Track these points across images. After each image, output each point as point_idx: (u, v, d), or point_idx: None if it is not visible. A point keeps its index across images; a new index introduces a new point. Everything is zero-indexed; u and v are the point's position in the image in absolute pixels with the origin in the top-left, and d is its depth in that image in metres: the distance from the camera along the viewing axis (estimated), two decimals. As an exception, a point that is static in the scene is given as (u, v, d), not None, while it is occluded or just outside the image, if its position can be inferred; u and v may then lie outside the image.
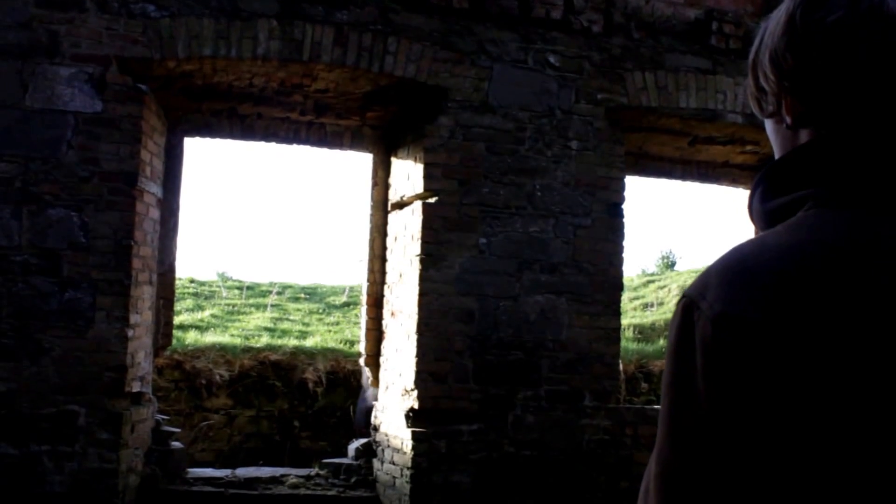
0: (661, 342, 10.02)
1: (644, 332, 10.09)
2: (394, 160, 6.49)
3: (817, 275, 0.90)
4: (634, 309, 11.52)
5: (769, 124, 1.10)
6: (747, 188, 7.48)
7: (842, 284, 0.88)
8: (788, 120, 1.03)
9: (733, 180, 7.46)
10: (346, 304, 11.78)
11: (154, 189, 5.73)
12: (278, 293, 12.07)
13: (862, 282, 0.89)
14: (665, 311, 10.84)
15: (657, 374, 8.94)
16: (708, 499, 0.91)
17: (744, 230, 7.61)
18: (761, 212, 1.04)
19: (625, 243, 6.27)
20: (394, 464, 5.94)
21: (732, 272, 0.94)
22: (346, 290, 12.58)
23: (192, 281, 12.55)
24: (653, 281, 13.03)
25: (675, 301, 8.83)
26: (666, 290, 11.92)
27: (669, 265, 17.16)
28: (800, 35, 1.01)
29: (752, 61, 1.08)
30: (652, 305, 11.40)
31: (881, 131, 0.97)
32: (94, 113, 5.32)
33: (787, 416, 0.89)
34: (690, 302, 0.94)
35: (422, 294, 5.77)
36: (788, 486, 0.89)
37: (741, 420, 0.89)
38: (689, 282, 8.57)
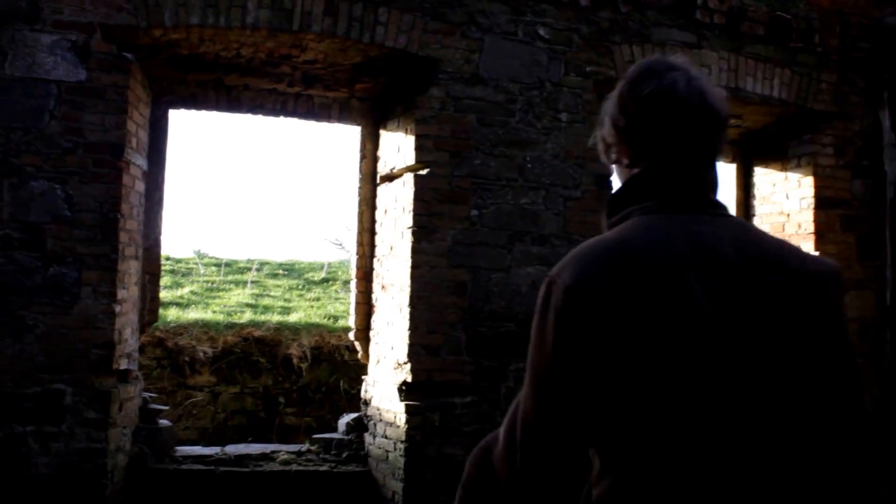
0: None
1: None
2: (383, 132, 6.41)
3: (629, 258, 1.39)
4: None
5: (616, 168, 1.62)
6: (728, 162, 7.56)
7: (645, 268, 1.37)
8: (626, 161, 1.57)
9: (715, 154, 7.52)
10: (326, 280, 11.66)
11: (140, 161, 5.58)
12: (257, 270, 11.90)
13: (660, 264, 1.38)
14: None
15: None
16: (547, 422, 1.37)
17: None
18: (606, 226, 1.56)
19: (614, 216, 6.30)
20: (386, 437, 5.91)
21: (578, 258, 1.43)
22: (325, 266, 12.45)
23: (167, 258, 12.30)
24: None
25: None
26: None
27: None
28: (626, 104, 1.54)
29: (599, 125, 1.61)
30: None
31: (675, 166, 1.50)
32: (77, 82, 5.15)
33: (611, 350, 1.33)
34: (552, 279, 1.43)
35: (414, 266, 5.72)
36: (616, 401, 1.35)
37: (578, 354, 1.36)
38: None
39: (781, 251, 1.50)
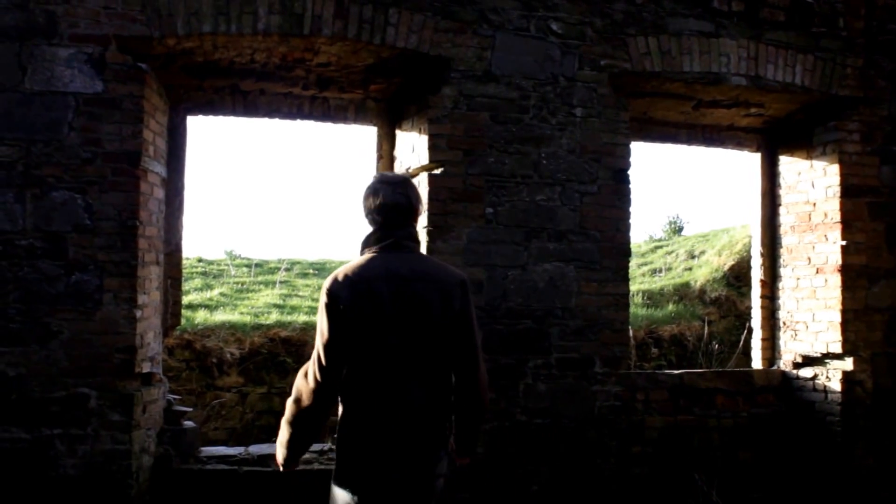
0: (671, 307, 9.97)
1: (653, 298, 10.02)
2: (398, 132, 6.44)
3: (356, 277, 3.21)
4: (643, 275, 11.42)
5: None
6: (753, 151, 7.44)
7: (361, 280, 3.20)
8: (370, 225, 3.41)
9: (738, 143, 7.39)
10: (355, 279, 11.65)
11: (158, 168, 5.69)
12: (287, 270, 12.03)
13: (368, 279, 3.21)
14: (673, 277, 10.77)
15: (667, 339, 8.92)
16: (325, 354, 3.19)
17: (748, 191, 7.54)
18: (360, 256, 3.38)
19: (631, 209, 6.25)
20: (407, 436, 5.94)
21: (335, 275, 3.25)
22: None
23: (200, 260, 12.51)
24: (660, 246, 12.91)
25: (682, 266, 8.79)
26: (673, 255, 11.80)
27: (677, 230, 17.03)
28: (365, 201, 3.41)
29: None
30: (660, 271, 11.30)
31: (385, 230, 3.34)
32: (94, 93, 5.27)
33: (344, 321, 3.17)
34: (326, 285, 3.23)
35: (429, 266, 5.73)
36: (348, 345, 3.20)
37: (332, 324, 3.19)
38: (696, 246, 8.81)
39: (434, 270, 3.30)
